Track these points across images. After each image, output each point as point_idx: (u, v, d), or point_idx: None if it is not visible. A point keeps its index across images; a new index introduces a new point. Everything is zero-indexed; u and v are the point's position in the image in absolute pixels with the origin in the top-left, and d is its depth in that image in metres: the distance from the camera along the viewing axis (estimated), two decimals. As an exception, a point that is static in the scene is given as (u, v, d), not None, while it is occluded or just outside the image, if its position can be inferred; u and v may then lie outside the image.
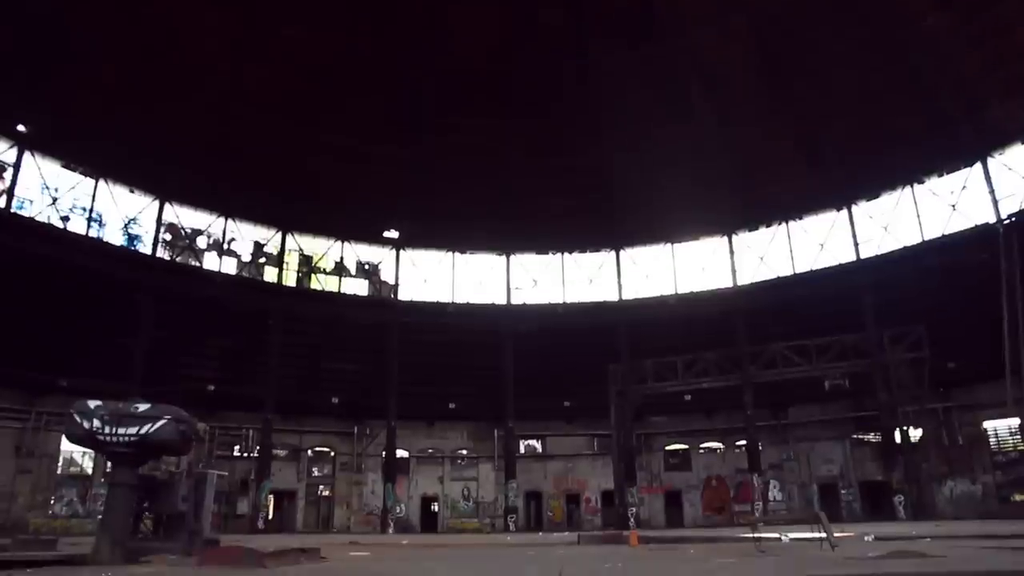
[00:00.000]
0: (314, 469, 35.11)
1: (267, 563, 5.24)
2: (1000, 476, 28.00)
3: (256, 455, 31.18)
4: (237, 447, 32.93)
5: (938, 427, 29.07)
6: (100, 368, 25.02)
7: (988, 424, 28.51)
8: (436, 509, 35.77)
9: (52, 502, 27.68)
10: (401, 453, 34.12)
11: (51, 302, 26.02)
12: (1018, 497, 27.10)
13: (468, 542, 15.33)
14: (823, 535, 6.64)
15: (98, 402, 6.11)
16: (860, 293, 28.66)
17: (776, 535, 10.17)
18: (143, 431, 5.96)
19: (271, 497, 31.44)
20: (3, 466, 26.55)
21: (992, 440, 28.60)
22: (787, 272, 31.97)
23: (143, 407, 6.10)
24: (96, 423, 5.98)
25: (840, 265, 30.34)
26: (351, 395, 33.98)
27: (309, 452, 34.91)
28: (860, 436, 32.32)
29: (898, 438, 27.36)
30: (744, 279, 33.06)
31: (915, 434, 27.81)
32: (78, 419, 6.02)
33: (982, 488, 28.06)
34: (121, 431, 5.94)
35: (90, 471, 27.90)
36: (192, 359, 31.82)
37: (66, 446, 26.16)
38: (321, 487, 35.03)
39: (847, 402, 31.25)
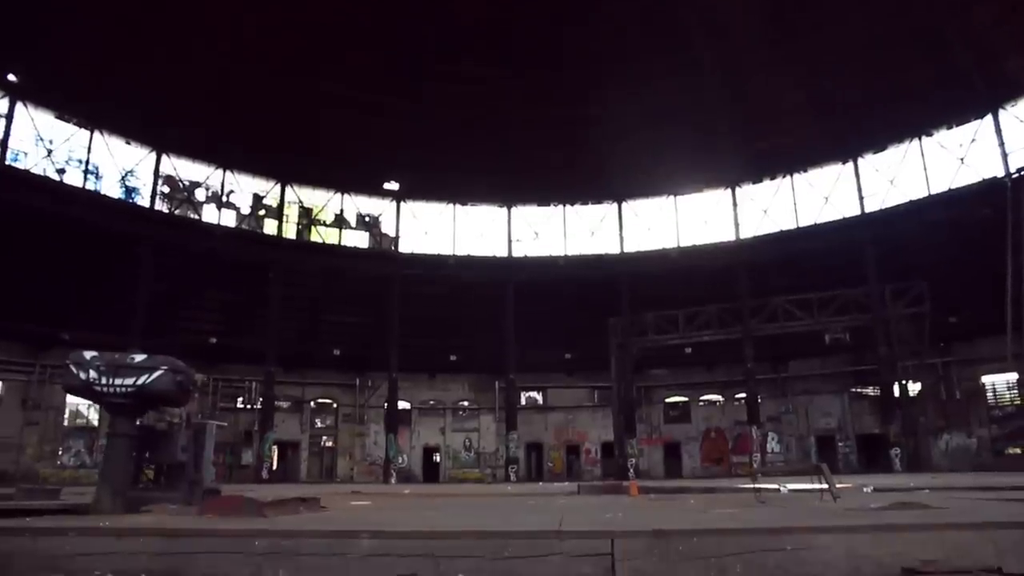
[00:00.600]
0: (317, 420, 35.52)
1: (267, 512, 5.24)
2: (996, 430, 28.26)
3: (259, 407, 31.45)
4: (240, 399, 33.26)
5: (937, 381, 29.27)
6: (101, 321, 25.09)
7: (986, 379, 28.66)
8: (438, 460, 36.28)
9: (60, 453, 28.11)
10: (403, 404, 34.44)
11: (50, 256, 25.94)
12: (1012, 450, 27.43)
13: (469, 492, 15.51)
14: (822, 486, 6.64)
15: (94, 353, 6.06)
16: (863, 247, 28.48)
17: (775, 486, 10.25)
18: (140, 382, 5.92)
19: (275, 448, 31.82)
20: (11, 418, 26.91)
21: (990, 394, 28.80)
22: (790, 225, 31.73)
23: (139, 358, 6.05)
24: (93, 374, 5.93)
25: (844, 219, 30.08)
26: (353, 347, 34.15)
27: (312, 404, 35.26)
28: (859, 390, 32.56)
29: (897, 392, 27.53)
30: (747, 232, 32.85)
31: (914, 388, 28.00)
32: (74, 370, 5.97)
33: (977, 441, 28.35)
34: (118, 382, 5.89)
35: (96, 423, 28.18)
36: (193, 312, 31.92)
37: (72, 399, 26.42)
38: (324, 438, 35.50)
39: (847, 356, 31.41)
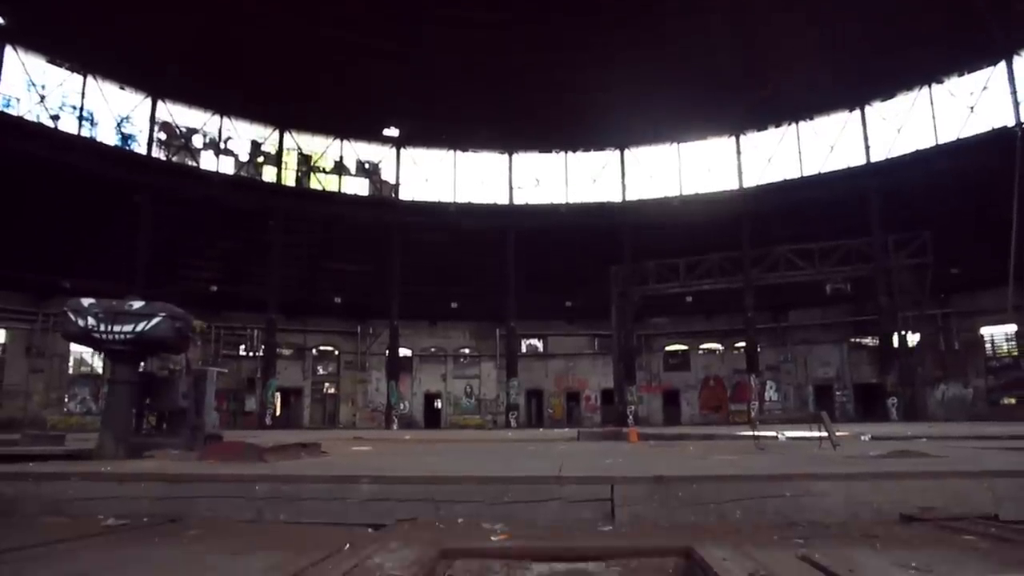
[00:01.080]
0: (319, 367, 35.85)
1: (267, 457, 5.27)
2: (992, 380, 28.53)
3: (261, 354, 31.67)
4: (242, 346, 33.47)
5: (936, 332, 29.38)
6: (102, 270, 25.06)
7: (985, 330, 28.83)
8: (439, 406, 36.73)
9: (66, 400, 28.43)
10: (404, 352, 34.67)
11: (48, 204, 25.76)
12: (1007, 401, 27.71)
13: (470, 438, 15.69)
14: (822, 434, 6.67)
15: (92, 300, 6.01)
16: (868, 197, 28.23)
17: (773, 434, 10.34)
18: (139, 328, 5.89)
19: (278, 395, 32.18)
20: (17, 366, 27.22)
21: (988, 346, 28.98)
22: (794, 174, 31.45)
23: (137, 304, 6.01)
24: (91, 321, 5.89)
25: (849, 168, 29.79)
26: (354, 295, 34.21)
27: (314, 351, 35.54)
28: (858, 340, 32.77)
29: (896, 342, 27.67)
30: (750, 181, 32.57)
31: (913, 339, 28.12)
32: (72, 317, 5.92)
33: (973, 392, 28.65)
34: (116, 329, 5.86)
35: (101, 370, 28.45)
36: (193, 260, 31.86)
37: (76, 347, 26.61)
38: (326, 385, 35.87)
39: (847, 306, 31.49)
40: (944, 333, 29.60)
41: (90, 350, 24.19)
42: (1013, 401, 27.39)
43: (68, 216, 26.29)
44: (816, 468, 4.19)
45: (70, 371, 28.99)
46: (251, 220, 30.87)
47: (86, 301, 6.03)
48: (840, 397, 32.59)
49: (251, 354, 33.16)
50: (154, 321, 5.96)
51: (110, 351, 6.23)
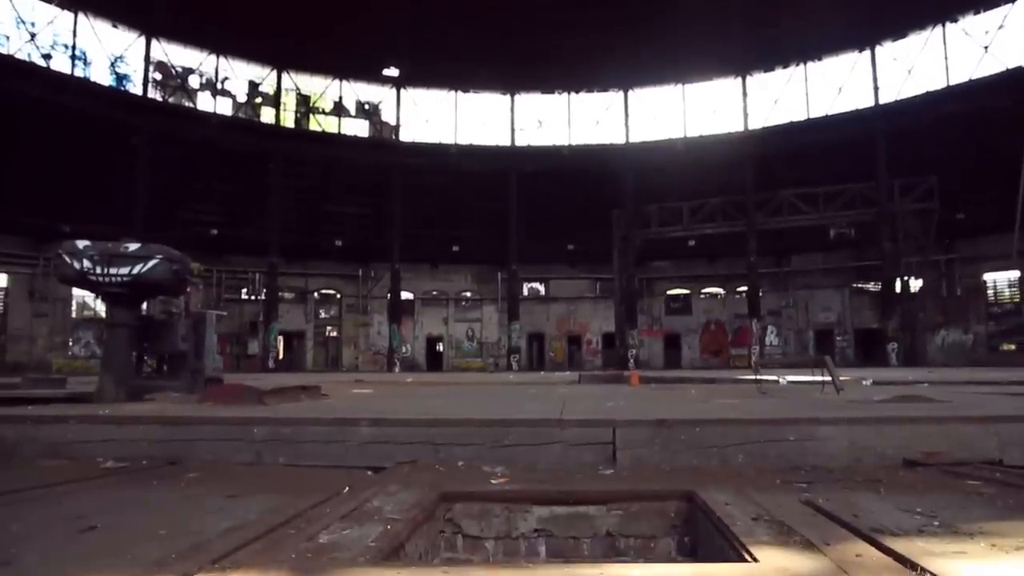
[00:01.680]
0: (321, 311, 35.96)
1: (267, 400, 5.26)
2: (992, 326, 28.58)
3: (263, 298, 31.73)
4: (244, 290, 33.51)
5: (938, 278, 29.32)
6: (102, 214, 24.89)
7: (988, 276, 28.74)
8: (441, 349, 36.98)
9: (70, 344, 28.59)
10: (406, 295, 34.73)
11: (44, 146, 25.37)
12: (1007, 347, 27.81)
13: (471, 381, 15.77)
14: (824, 379, 6.65)
15: (87, 242, 5.91)
16: (875, 140, 27.82)
17: (774, 378, 10.36)
18: (135, 271, 5.80)
19: (280, 338, 32.35)
20: (20, 310, 27.26)
21: (990, 292, 28.93)
22: (801, 117, 30.90)
23: (133, 247, 5.91)
24: (87, 264, 5.80)
25: (857, 111, 29.28)
26: (355, 238, 34.09)
27: (315, 295, 35.59)
28: (860, 285, 32.71)
29: (898, 288, 27.63)
30: (756, 123, 32.04)
31: (915, 284, 28.06)
32: (68, 259, 5.83)
33: (973, 338, 28.73)
34: (113, 271, 5.77)
35: (104, 314, 28.50)
36: (194, 203, 31.62)
37: (79, 291, 26.64)
38: (328, 328, 36.04)
39: (850, 251, 31.37)
40: (947, 279, 29.52)
41: (92, 293, 24.28)
42: (1013, 347, 27.50)
43: (64, 158, 25.94)
44: (819, 412, 4.16)
45: (73, 315, 29.08)
46: (250, 162, 30.51)
47: (81, 243, 5.93)
48: (840, 342, 32.74)
49: (253, 298, 33.22)
50: (151, 263, 5.87)
51: (107, 294, 6.16)
